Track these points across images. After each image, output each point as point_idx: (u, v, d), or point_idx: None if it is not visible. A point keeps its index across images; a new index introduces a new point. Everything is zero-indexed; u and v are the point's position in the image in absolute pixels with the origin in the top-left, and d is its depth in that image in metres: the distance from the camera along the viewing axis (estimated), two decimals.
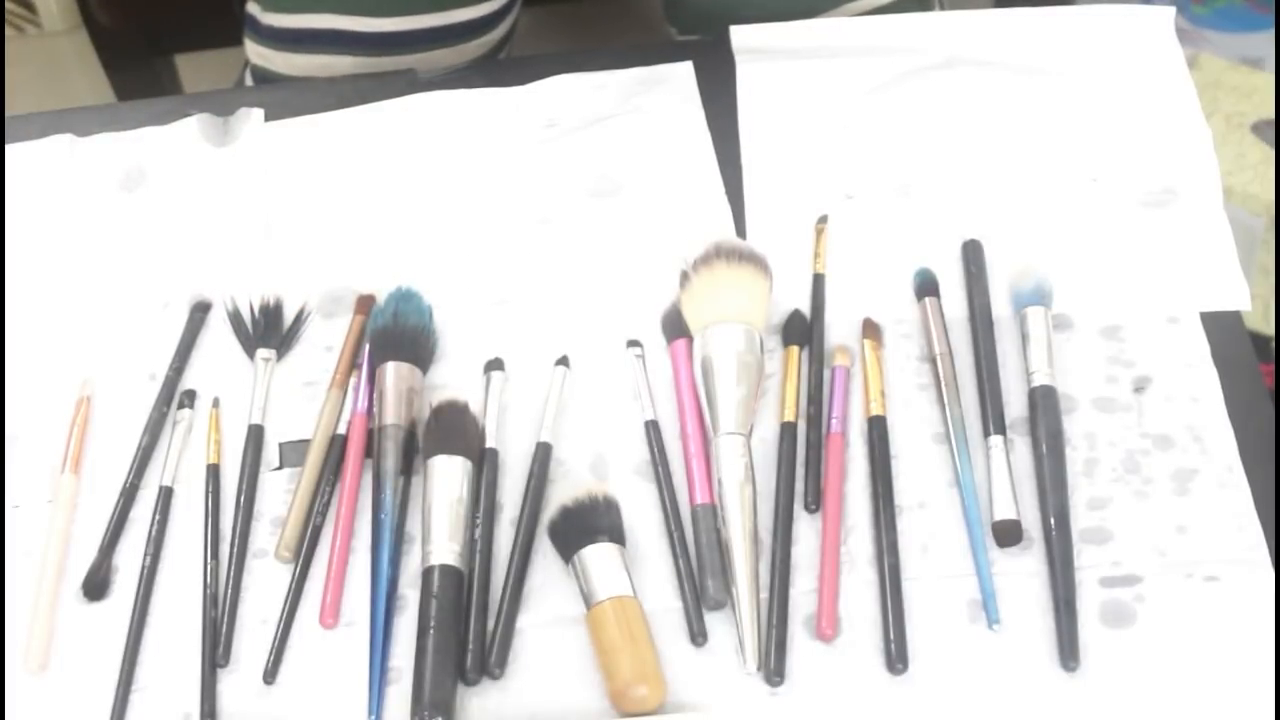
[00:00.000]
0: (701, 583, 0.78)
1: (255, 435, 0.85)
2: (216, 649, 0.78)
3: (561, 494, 0.80)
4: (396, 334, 0.86)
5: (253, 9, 1.15)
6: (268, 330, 0.89)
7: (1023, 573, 0.79)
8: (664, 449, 0.83)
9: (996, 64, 0.99)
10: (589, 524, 0.78)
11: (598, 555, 0.77)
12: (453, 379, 0.87)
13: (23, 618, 0.79)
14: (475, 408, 0.84)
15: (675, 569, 0.79)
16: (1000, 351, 0.86)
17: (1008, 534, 0.79)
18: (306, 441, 0.84)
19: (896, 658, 0.76)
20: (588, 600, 0.76)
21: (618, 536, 0.78)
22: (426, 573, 0.78)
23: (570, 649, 0.77)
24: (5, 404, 0.87)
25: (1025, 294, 0.87)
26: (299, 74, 1.14)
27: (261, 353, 0.88)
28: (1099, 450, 0.83)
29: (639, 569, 0.79)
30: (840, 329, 0.88)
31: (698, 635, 0.77)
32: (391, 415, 0.83)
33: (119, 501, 0.83)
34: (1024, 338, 0.86)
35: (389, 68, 1.09)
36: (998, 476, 0.81)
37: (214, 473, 0.84)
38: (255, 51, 1.16)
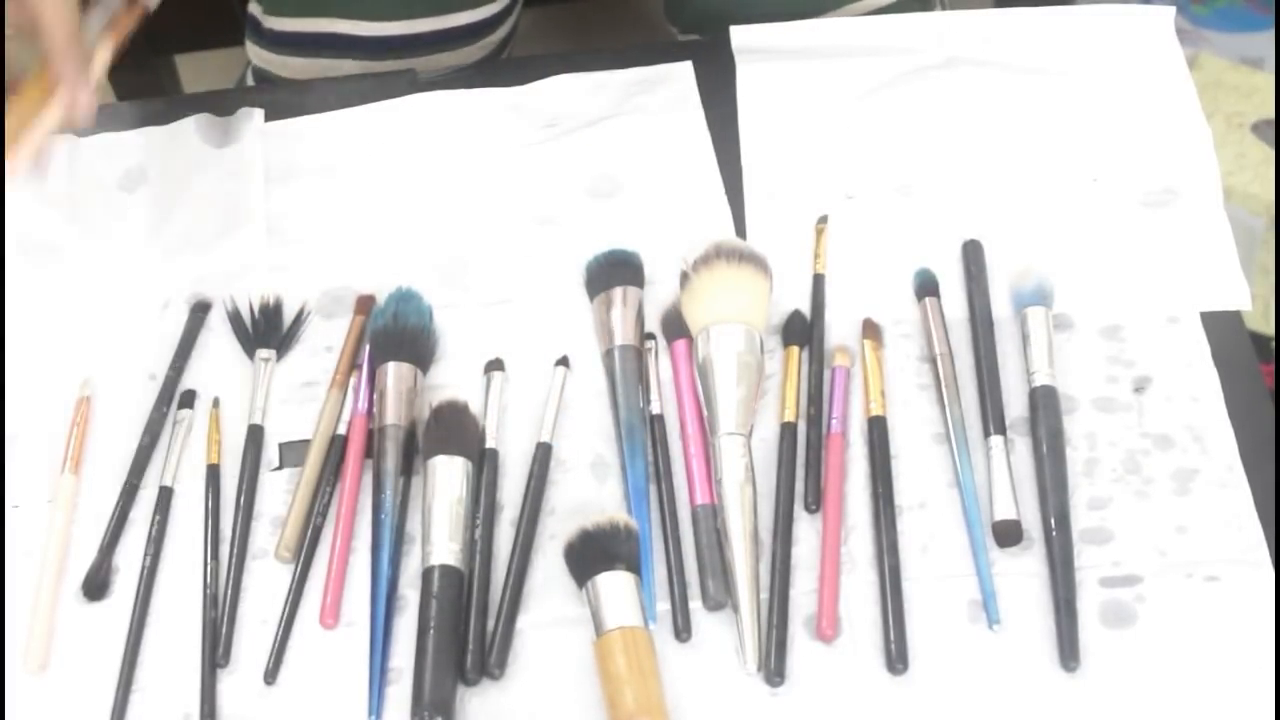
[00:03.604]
0: (702, 583, 0.78)
1: (255, 435, 0.85)
2: (216, 649, 0.78)
3: (582, 517, 0.79)
4: (396, 334, 0.86)
5: (254, 11, 1.15)
6: (268, 330, 0.89)
7: (1023, 573, 0.79)
8: (666, 449, 0.83)
9: (996, 64, 0.99)
10: (608, 550, 0.77)
11: (613, 583, 0.76)
12: (453, 379, 0.87)
13: (23, 618, 0.79)
14: (475, 408, 0.84)
15: (667, 567, 0.79)
16: (1000, 351, 0.86)
17: (1008, 534, 0.80)
18: (306, 441, 0.84)
19: (896, 658, 0.76)
20: (598, 627, 0.76)
21: (634, 565, 0.77)
22: (426, 573, 0.78)
23: (570, 649, 0.77)
24: (5, 404, 0.87)
25: (1025, 294, 0.87)
26: (301, 77, 1.14)
27: (261, 353, 0.88)
28: (1099, 450, 0.83)
29: None
30: (840, 329, 0.88)
31: (682, 632, 0.77)
32: (391, 415, 0.83)
33: (119, 501, 0.83)
34: (1024, 338, 0.86)
35: (390, 71, 1.09)
36: (998, 477, 0.81)
37: (214, 473, 0.84)
38: (257, 54, 1.16)
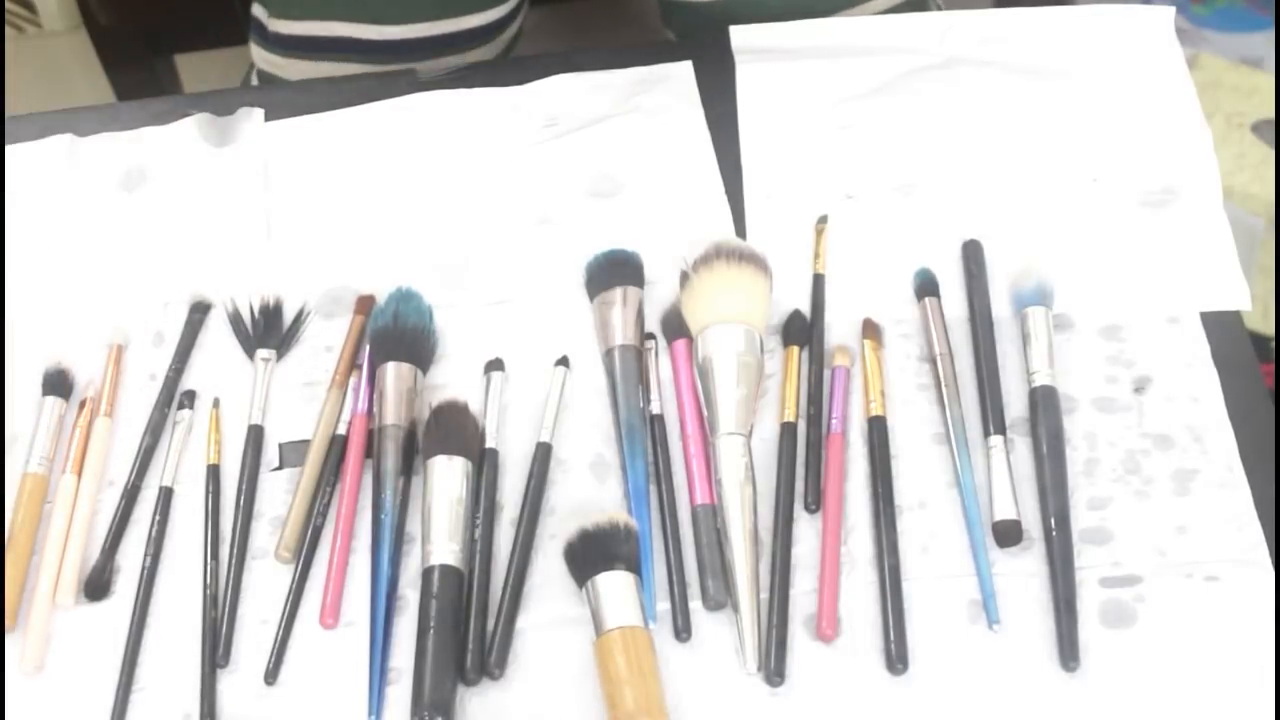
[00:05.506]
0: (702, 583, 0.78)
1: (255, 435, 0.85)
2: (216, 649, 0.78)
3: (582, 517, 0.79)
4: (396, 334, 0.86)
5: (259, 14, 1.14)
6: (268, 330, 0.89)
7: (1023, 573, 0.79)
8: (667, 449, 0.83)
9: (996, 64, 0.99)
10: (608, 551, 0.77)
11: (613, 583, 0.76)
12: (453, 379, 0.87)
13: (21, 618, 0.79)
14: (475, 408, 0.84)
15: (667, 567, 0.79)
16: (1000, 351, 0.86)
17: (1008, 534, 0.79)
18: (306, 441, 0.84)
19: (896, 658, 0.76)
20: (598, 627, 0.76)
21: (634, 565, 0.77)
22: (426, 573, 0.78)
23: (570, 649, 0.77)
24: (5, 404, 0.87)
25: (1026, 294, 0.87)
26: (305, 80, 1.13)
27: (261, 353, 0.88)
28: (1099, 450, 0.83)
29: None
30: (840, 329, 0.88)
31: (682, 632, 0.77)
32: (391, 415, 0.83)
33: (119, 501, 0.83)
34: (1024, 338, 0.86)
35: (391, 71, 1.09)
36: (998, 477, 0.81)
37: (214, 473, 0.84)
38: (262, 58, 1.16)
